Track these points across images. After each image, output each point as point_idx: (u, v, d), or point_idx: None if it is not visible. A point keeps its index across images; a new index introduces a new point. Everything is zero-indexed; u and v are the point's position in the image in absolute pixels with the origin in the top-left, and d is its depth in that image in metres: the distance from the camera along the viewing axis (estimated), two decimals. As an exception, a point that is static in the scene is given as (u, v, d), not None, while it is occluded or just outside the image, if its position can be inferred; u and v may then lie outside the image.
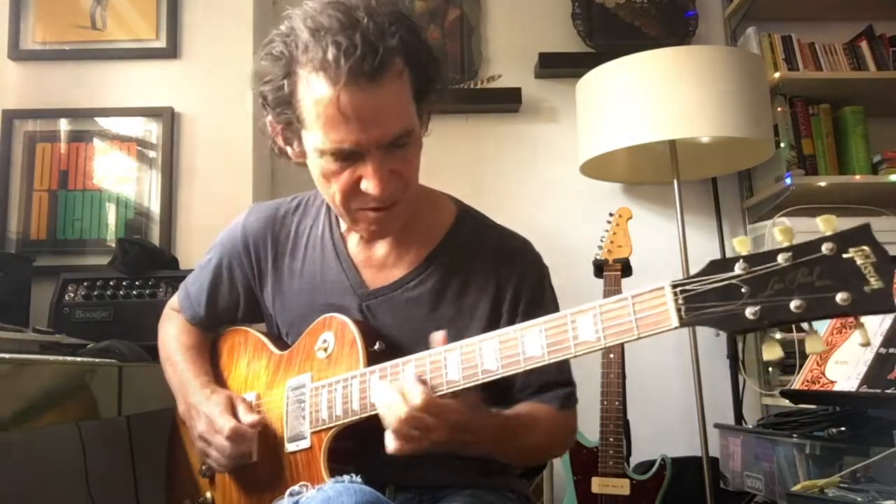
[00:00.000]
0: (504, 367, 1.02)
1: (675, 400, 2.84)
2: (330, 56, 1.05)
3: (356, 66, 1.05)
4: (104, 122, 2.62)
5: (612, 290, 2.34)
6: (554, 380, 1.28)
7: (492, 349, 1.03)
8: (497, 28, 3.13)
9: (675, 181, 2.58)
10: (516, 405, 1.25)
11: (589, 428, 2.32)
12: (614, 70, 2.54)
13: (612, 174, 2.93)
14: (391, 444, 1.05)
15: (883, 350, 1.73)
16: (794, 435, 1.99)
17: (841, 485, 1.67)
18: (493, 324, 1.26)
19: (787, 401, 2.05)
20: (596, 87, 2.62)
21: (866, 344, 0.77)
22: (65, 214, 2.56)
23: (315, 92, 1.09)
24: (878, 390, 1.67)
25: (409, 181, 1.20)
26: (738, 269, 0.80)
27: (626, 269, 2.39)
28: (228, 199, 2.51)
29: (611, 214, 2.47)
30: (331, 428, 1.18)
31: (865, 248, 0.75)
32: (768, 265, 0.79)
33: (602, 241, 2.44)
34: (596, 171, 2.83)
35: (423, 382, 1.05)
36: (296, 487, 1.11)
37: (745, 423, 2.78)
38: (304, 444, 1.22)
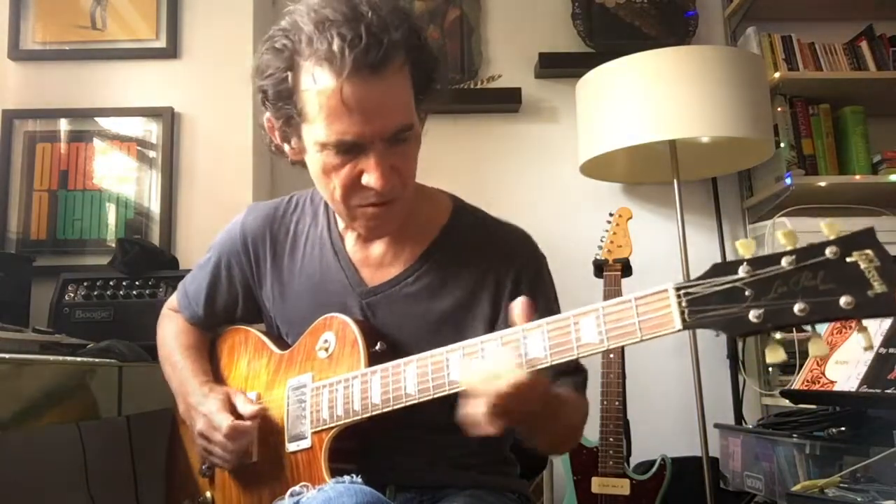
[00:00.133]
0: None
1: (675, 400, 2.84)
2: (335, 47, 1.06)
3: (360, 57, 1.06)
4: (104, 122, 2.62)
5: (612, 290, 2.34)
6: (570, 364, 1.27)
7: (493, 350, 1.03)
8: (497, 28, 3.12)
9: (675, 181, 2.58)
10: None
11: (589, 428, 2.30)
12: (614, 70, 2.54)
13: (612, 174, 2.93)
14: (483, 421, 1.00)
15: (883, 350, 1.73)
16: (794, 435, 2.00)
17: (841, 485, 1.68)
18: (493, 315, 1.26)
19: (787, 401, 2.06)
20: (596, 87, 2.62)
21: (869, 348, 0.77)
22: (65, 214, 2.55)
23: (318, 83, 1.09)
24: (878, 390, 1.67)
25: (407, 178, 1.20)
26: (742, 272, 0.80)
27: (626, 269, 2.38)
28: (228, 199, 2.51)
29: (611, 214, 2.47)
30: (332, 428, 1.18)
31: (869, 251, 0.75)
32: (772, 268, 0.79)
33: (602, 241, 2.44)
34: (596, 171, 2.83)
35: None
36: (297, 488, 1.11)
37: (745, 423, 2.79)
38: (305, 443, 1.22)
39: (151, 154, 2.60)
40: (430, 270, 1.29)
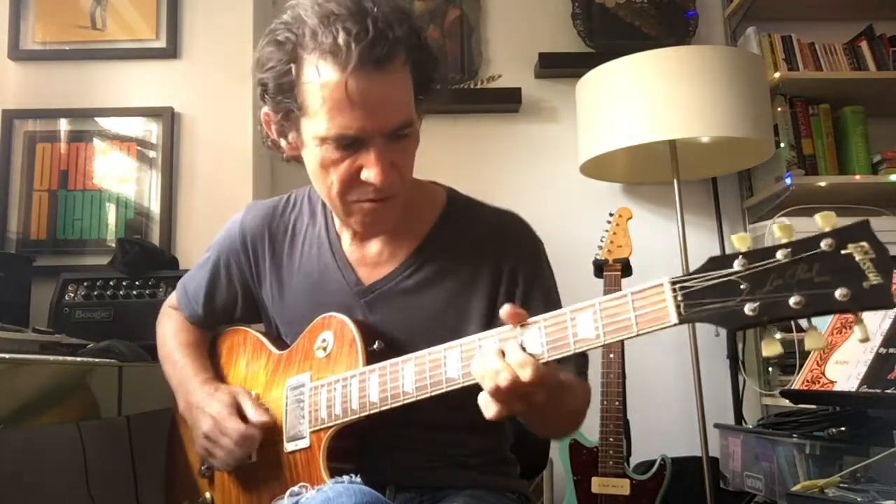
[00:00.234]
0: None
1: (675, 400, 2.84)
2: (340, 41, 1.06)
3: (366, 51, 1.06)
4: (104, 122, 2.62)
5: (612, 290, 2.34)
6: None
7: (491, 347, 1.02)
8: (497, 28, 3.13)
9: (675, 181, 2.58)
10: None
11: (589, 428, 2.32)
12: (614, 70, 2.54)
13: (611, 174, 2.93)
14: (490, 409, 0.99)
15: (883, 350, 1.73)
16: (794, 435, 1.99)
17: (841, 485, 1.67)
18: (491, 305, 1.26)
19: (787, 401, 2.05)
20: (596, 87, 2.62)
21: (865, 339, 0.76)
22: (65, 214, 2.56)
23: (322, 77, 1.09)
24: (878, 390, 1.66)
25: (406, 175, 1.20)
26: (738, 265, 0.80)
27: (626, 269, 2.38)
28: (228, 199, 2.51)
29: (611, 214, 2.47)
30: (330, 427, 1.18)
31: (864, 244, 0.75)
32: (767, 261, 0.78)
33: (602, 241, 2.44)
34: (596, 171, 2.83)
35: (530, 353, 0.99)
36: (295, 488, 1.11)
37: (745, 423, 2.78)
38: (304, 443, 1.21)
39: (151, 154, 2.60)
40: (425, 264, 1.28)
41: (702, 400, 2.48)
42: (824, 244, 0.76)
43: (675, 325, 0.85)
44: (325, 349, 1.24)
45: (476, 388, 1.01)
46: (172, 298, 1.54)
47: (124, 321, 2.12)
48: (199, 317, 1.46)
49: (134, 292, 2.19)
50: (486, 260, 1.28)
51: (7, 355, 1.25)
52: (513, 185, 2.98)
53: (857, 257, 0.74)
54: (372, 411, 1.13)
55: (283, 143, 1.24)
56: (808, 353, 1.92)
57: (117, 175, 2.60)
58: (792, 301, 0.76)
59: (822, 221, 0.77)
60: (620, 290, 2.35)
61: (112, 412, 1.50)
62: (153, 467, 1.60)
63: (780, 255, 0.78)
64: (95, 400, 1.44)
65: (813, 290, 0.75)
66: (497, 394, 0.97)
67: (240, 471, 1.30)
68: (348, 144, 1.12)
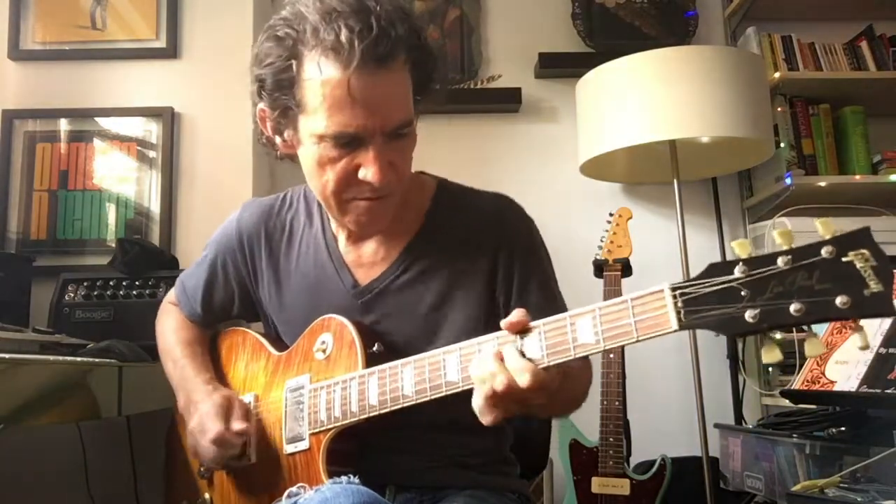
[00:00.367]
0: None
1: (675, 400, 2.84)
2: (343, 38, 1.05)
3: (369, 49, 1.06)
4: (104, 122, 2.62)
5: (612, 290, 2.34)
6: None
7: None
8: (497, 28, 3.12)
9: (675, 181, 2.58)
10: None
11: (589, 428, 2.32)
12: (614, 70, 2.54)
13: (612, 174, 2.93)
14: (486, 415, 0.99)
15: (883, 350, 1.73)
16: (794, 435, 1.99)
17: (841, 485, 1.67)
18: (489, 296, 1.26)
19: (787, 401, 2.05)
20: (596, 87, 2.62)
21: (865, 347, 0.76)
22: (65, 214, 2.56)
23: (323, 74, 1.08)
24: (878, 390, 1.67)
25: (402, 175, 1.20)
26: (738, 272, 0.80)
27: (626, 269, 2.38)
28: (228, 199, 2.49)
29: (611, 214, 2.47)
30: (329, 429, 1.18)
31: (865, 251, 0.75)
32: (768, 268, 0.78)
33: (602, 241, 2.44)
34: (596, 171, 2.83)
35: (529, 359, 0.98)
36: (294, 489, 1.11)
37: (745, 423, 2.78)
38: (303, 445, 1.21)
39: (151, 154, 2.60)
40: (418, 258, 1.28)
41: (702, 400, 2.48)
42: (825, 251, 0.76)
43: (675, 331, 0.85)
44: (324, 351, 1.24)
45: None
46: (172, 295, 1.54)
47: (124, 321, 2.12)
48: (198, 315, 1.46)
49: (134, 292, 2.19)
50: (480, 248, 1.27)
51: (7, 355, 1.25)
52: (513, 186, 2.92)
53: (858, 265, 0.74)
54: (371, 414, 1.13)
55: (278, 140, 1.23)
56: (808, 354, 1.92)
57: (117, 175, 2.60)
58: (792, 308, 0.76)
59: (823, 229, 0.77)
60: (620, 290, 2.37)
61: (112, 412, 1.50)
62: (153, 467, 1.60)
63: (780, 261, 0.78)
64: (95, 400, 1.44)
65: (813, 297, 0.75)
66: (493, 398, 0.96)
67: (239, 472, 1.30)
68: (347, 143, 1.12)
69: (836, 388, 1.79)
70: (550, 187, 3.00)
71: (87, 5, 2.66)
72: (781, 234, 0.78)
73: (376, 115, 1.10)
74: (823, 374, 1.85)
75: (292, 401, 1.25)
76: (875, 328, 1.76)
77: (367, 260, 1.31)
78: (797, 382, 1.93)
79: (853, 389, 1.73)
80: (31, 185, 2.56)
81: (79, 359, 1.55)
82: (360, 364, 1.17)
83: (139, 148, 2.61)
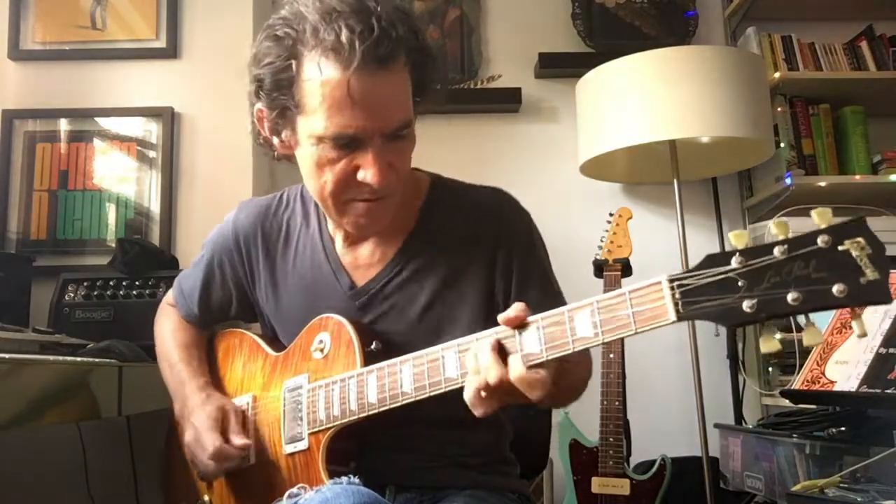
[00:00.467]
0: None
1: (675, 400, 2.84)
2: (343, 38, 1.04)
3: (370, 50, 1.05)
4: (104, 122, 2.62)
5: (612, 290, 2.33)
6: None
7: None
8: (497, 28, 3.13)
9: (675, 181, 2.58)
10: None
11: (589, 428, 2.32)
12: (614, 70, 2.54)
13: (612, 174, 2.93)
14: (477, 408, 0.99)
15: (883, 350, 1.73)
16: (794, 435, 1.99)
17: (841, 485, 1.67)
18: (488, 294, 1.25)
19: (787, 401, 2.05)
20: (596, 87, 2.62)
21: (863, 335, 0.77)
22: (65, 214, 2.56)
23: (323, 74, 1.07)
24: (878, 390, 1.66)
25: (401, 176, 1.19)
26: (735, 262, 0.80)
27: (626, 269, 2.38)
28: (228, 199, 2.47)
29: (611, 214, 2.47)
30: (329, 429, 1.18)
31: (860, 239, 0.75)
32: (764, 258, 0.78)
33: (602, 241, 2.44)
34: (596, 171, 2.83)
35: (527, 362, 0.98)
36: (294, 489, 1.11)
37: (745, 423, 2.78)
38: (302, 445, 1.21)
39: (151, 154, 2.60)
40: (414, 257, 1.27)
41: (702, 400, 2.47)
42: (821, 241, 0.76)
43: (673, 322, 0.85)
44: (322, 350, 1.23)
45: None
46: (170, 295, 1.54)
47: (124, 321, 2.12)
48: (196, 316, 1.46)
49: (134, 292, 2.19)
50: (478, 244, 1.26)
51: (7, 355, 1.25)
52: (513, 186, 2.91)
53: (854, 253, 0.74)
54: (371, 412, 1.13)
55: (275, 140, 1.22)
56: (808, 352, 1.92)
57: (117, 175, 2.60)
58: (790, 297, 0.76)
59: (819, 218, 0.77)
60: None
61: (112, 412, 1.50)
62: (153, 467, 1.59)
63: (777, 251, 0.78)
64: (95, 400, 1.44)
65: (810, 286, 0.75)
66: (485, 390, 0.97)
67: (238, 473, 1.30)
68: (346, 144, 1.11)
69: (836, 388, 1.78)
70: (550, 187, 3.00)
71: (87, 5, 2.66)
72: (778, 224, 0.78)
73: (376, 117, 1.09)
74: (823, 374, 1.85)
75: (291, 401, 1.25)
76: (875, 328, 1.76)
77: (364, 261, 1.30)
78: (797, 382, 1.92)
79: (853, 389, 1.72)
80: (31, 185, 2.56)
81: (79, 359, 1.55)
82: (359, 362, 1.17)
83: (139, 148, 2.61)
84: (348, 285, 1.29)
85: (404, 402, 1.10)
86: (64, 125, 2.61)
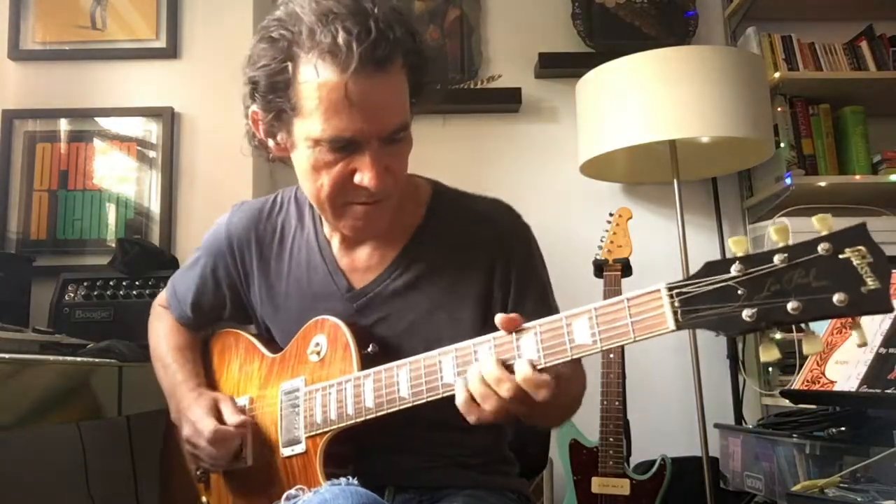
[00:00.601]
0: None
1: (675, 400, 2.84)
2: (340, 40, 1.03)
3: (367, 52, 1.04)
4: (104, 122, 2.62)
5: (612, 290, 2.34)
6: None
7: (487, 353, 1.01)
8: (497, 28, 3.12)
9: (675, 181, 2.58)
10: None
11: (589, 428, 2.32)
12: (614, 70, 2.54)
13: (611, 174, 2.93)
14: (470, 415, 1.00)
15: (883, 350, 1.73)
16: (794, 435, 1.99)
17: (841, 485, 1.67)
18: (485, 304, 1.24)
19: (787, 401, 2.05)
20: (596, 87, 2.62)
21: (863, 344, 0.76)
22: (65, 214, 2.56)
23: (320, 77, 1.06)
24: (878, 390, 1.66)
25: (399, 179, 1.18)
26: (734, 270, 0.80)
27: (626, 269, 2.38)
28: (228, 199, 2.46)
29: (611, 214, 2.47)
30: (326, 432, 1.18)
31: (862, 248, 0.74)
32: (764, 266, 0.78)
33: (602, 241, 2.43)
34: (596, 171, 2.83)
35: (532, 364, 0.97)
36: (292, 491, 1.10)
37: (745, 423, 2.78)
38: (300, 448, 1.21)
39: (151, 154, 2.60)
40: (413, 262, 1.27)
41: (702, 400, 2.48)
42: (821, 248, 0.76)
43: (672, 331, 0.84)
44: (318, 353, 1.23)
45: None
46: (162, 297, 1.53)
47: (124, 321, 2.12)
48: (188, 318, 1.45)
49: (134, 292, 2.19)
50: (477, 254, 1.26)
51: (7, 355, 1.25)
52: (513, 186, 2.97)
53: (855, 262, 0.74)
54: (368, 416, 1.13)
55: (271, 143, 1.22)
56: (808, 353, 1.92)
57: (117, 175, 2.60)
58: (790, 306, 0.76)
59: (819, 224, 0.76)
60: (620, 290, 2.37)
61: (112, 412, 1.50)
62: (153, 467, 1.59)
63: (777, 259, 0.77)
64: (95, 400, 1.44)
65: (811, 295, 0.75)
66: (473, 398, 0.97)
67: (236, 475, 1.30)
68: (343, 147, 1.10)
69: (836, 388, 1.78)
70: (550, 187, 3.00)
71: (87, 5, 2.66)
72: (777, 230, 0.78)
73: (373, 120, 1.09)
74: (823, 374, 1.85)
75: (287, 404, 1.25)
76: (875, 328, 1.76)
77: (362, 264, 1.30)
78: (797, 382, 1.92)
79: (853, 389, 1.72)
80: (31, 185, 2.56)
81: (79, 359, 1.55)
82: (356, 366, 1.16)
83: (139, 148, 2.61)
84: (346, 287, 1.29)
85: (401, 406, 1.10)
86: (64, 125, 2.60)
